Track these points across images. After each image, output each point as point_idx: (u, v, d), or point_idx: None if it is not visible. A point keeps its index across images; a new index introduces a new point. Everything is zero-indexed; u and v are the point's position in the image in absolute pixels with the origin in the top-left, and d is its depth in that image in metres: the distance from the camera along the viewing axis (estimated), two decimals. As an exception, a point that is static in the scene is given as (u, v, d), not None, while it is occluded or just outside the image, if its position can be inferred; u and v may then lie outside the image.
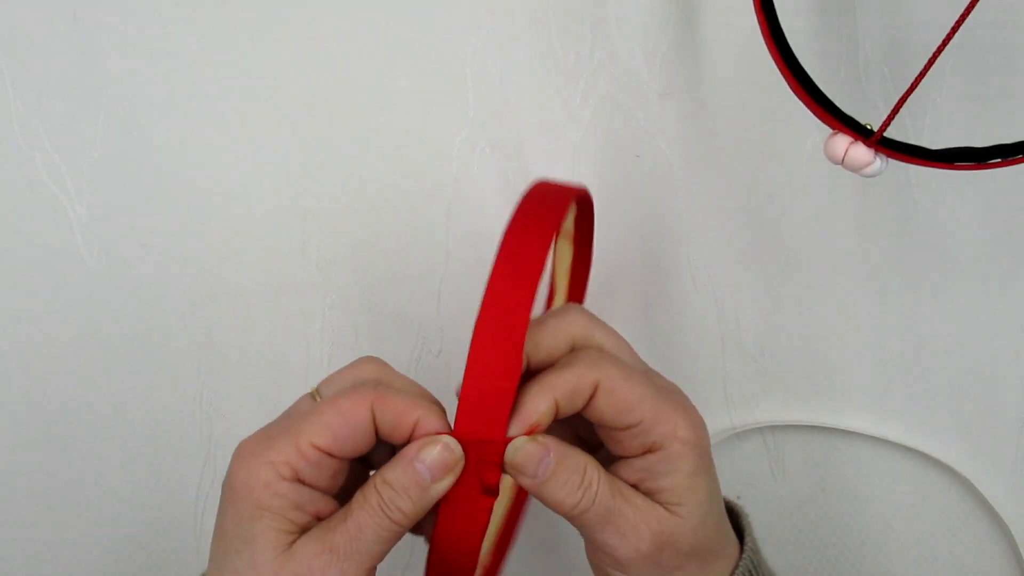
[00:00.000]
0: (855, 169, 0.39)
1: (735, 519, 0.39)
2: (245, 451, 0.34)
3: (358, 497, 0.34)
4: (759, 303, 0.50)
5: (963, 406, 0.50)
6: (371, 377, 0.36)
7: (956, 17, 0.37)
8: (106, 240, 0.48)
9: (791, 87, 0.39)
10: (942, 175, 0.47)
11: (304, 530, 0.33)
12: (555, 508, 0.34)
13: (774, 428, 0.51)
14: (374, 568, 0.34)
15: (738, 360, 0.50)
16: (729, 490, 0.51)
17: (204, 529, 0.51)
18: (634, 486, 0.36)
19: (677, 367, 0.50)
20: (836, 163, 0.40)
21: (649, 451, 0.35)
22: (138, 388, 0.49)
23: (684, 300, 0.50)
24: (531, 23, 0.47)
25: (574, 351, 0.37)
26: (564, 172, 0.48)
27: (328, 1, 0.47)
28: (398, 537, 0.34)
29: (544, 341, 0.36)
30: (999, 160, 0.39)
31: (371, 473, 0.37)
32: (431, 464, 0.33)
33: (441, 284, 0.49)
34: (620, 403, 0.35)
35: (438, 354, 0.50)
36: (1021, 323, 0.50)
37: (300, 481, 0.33)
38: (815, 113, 0.39)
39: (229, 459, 0.34)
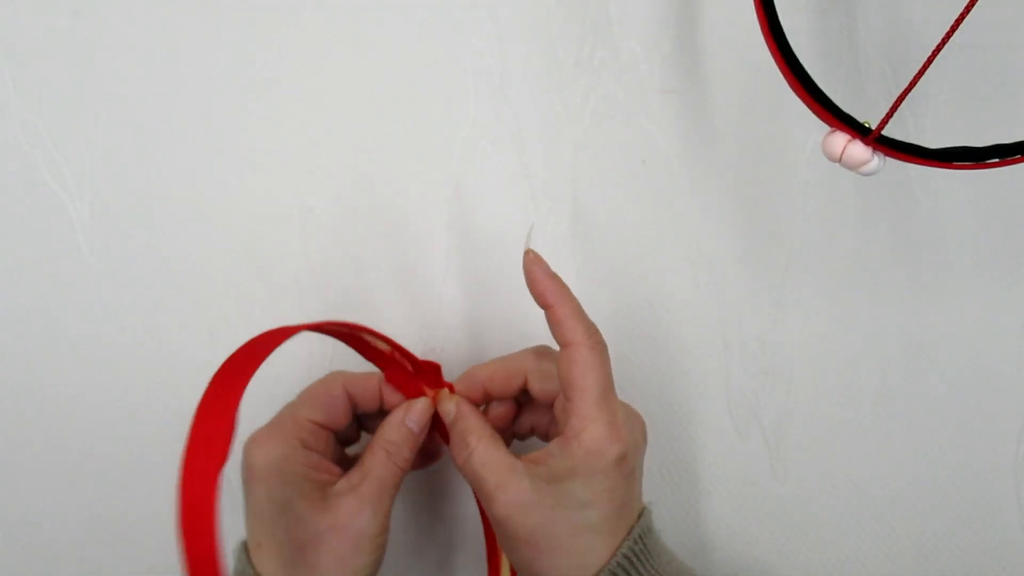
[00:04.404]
0: (853, 167, 0.39)
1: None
2: (259, 439, 0.41)
3: (368, 457, 0.42)
4: (760, 302, 0.50)
5: (963, 406, 0.50)
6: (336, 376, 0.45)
7: (956, 16, 0.37)
8: (107, 238, 0.48)
9: (791, 85, 0.39)
10: (942, 174, 0.47)
11: (323, 488, 0.41)
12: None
13: (774, 428, 0.51)
14: (390, 508, 0.42)
15: (739, 360, 0.50)
16: (731, 489, 0.52)
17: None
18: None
19: (678, 367, 0.50)
20: (834, 161, 0.40)
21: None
22: (139, 387, 0.49)
23: (685, 299, 0.50)
24: (531, 23, 0.47)
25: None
26: (565, 171, 0.48)
27: (328, 1, 0.47)
28: (403, 478, 0.42)
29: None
30: (997, 160, 0.39)
31: (346, 451, 0.46)
32: (418, 420, 0.43)
33: (441, 284, 0.49)
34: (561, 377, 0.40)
35: (439, 353, 0.50)
36: (1021, 323, 0.50)
37: (308, 448, 0.42)
38: (814, 111, 0.39)
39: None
